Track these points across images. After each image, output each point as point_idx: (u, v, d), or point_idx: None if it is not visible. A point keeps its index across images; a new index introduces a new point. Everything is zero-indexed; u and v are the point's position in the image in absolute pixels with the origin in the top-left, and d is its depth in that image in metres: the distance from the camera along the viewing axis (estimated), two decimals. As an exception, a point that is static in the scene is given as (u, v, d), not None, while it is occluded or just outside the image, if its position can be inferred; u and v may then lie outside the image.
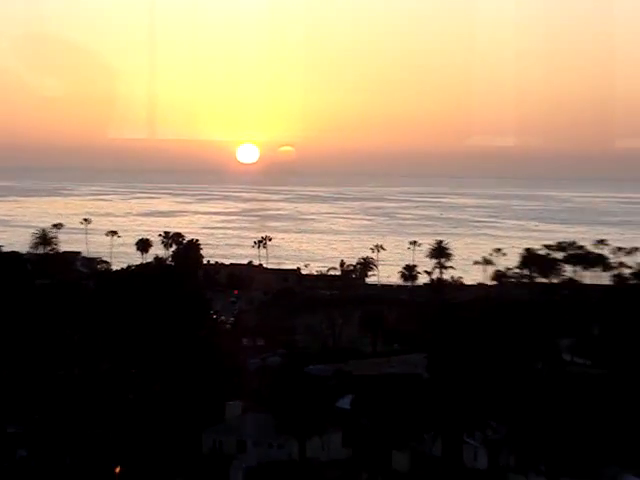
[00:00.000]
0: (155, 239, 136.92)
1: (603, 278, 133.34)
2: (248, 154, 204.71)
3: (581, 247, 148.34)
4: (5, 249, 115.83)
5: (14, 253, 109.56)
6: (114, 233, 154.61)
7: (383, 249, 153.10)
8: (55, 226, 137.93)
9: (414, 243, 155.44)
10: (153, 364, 79.24)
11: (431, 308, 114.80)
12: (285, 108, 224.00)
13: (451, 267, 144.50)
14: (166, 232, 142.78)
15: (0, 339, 79.78)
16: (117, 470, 67.63)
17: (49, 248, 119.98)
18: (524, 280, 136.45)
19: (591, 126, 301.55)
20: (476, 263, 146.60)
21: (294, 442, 70.43)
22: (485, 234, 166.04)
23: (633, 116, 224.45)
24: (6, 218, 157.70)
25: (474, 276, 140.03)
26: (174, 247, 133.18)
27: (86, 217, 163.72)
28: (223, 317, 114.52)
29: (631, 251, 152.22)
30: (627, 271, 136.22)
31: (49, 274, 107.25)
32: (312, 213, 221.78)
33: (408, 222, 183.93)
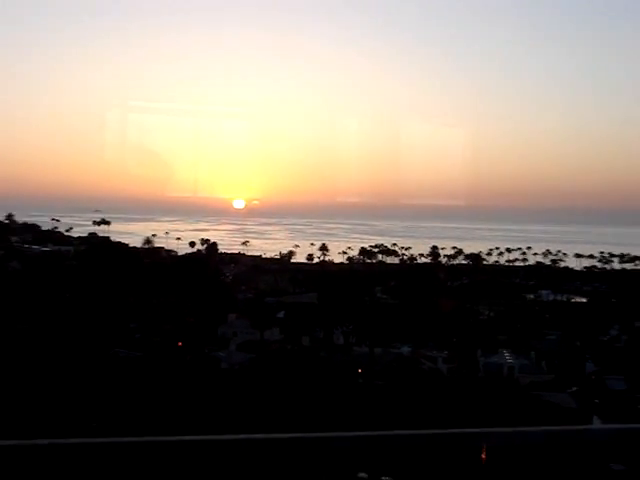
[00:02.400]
0: (197, 241, 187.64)
1: (395, 260, 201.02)
2: (239, 204, 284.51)
3: (386, 246, 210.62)
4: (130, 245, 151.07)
5: (134, 247, 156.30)
6: (179, 239, 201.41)
7: (298, 246, 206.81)
8: (153, 235, 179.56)
9: (312, 244, 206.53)
10: (191, 301, 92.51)
11: (320, 272, 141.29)
12: (258, 177, 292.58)
13: (329, 255, 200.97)
14: (202, 238, 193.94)
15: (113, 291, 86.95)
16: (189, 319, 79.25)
17: (149, 245, 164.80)
18: (361, 261, 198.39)
19: (386, 188, 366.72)
20: (339, 253, 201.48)
21: (258, 332, 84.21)
22: (343, 240, 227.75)
23: (411, 184, 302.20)
24: (130, 232, 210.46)
25: (339, 259, 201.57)
26: (205, 245, 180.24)
27: (167, 231, 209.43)
28: (228, 274, 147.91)
29: (408, 248, 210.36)
30: (406, 257, 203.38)
31: (150, 257, 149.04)
32: (267, 230, 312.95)
33: (309, 234, 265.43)
